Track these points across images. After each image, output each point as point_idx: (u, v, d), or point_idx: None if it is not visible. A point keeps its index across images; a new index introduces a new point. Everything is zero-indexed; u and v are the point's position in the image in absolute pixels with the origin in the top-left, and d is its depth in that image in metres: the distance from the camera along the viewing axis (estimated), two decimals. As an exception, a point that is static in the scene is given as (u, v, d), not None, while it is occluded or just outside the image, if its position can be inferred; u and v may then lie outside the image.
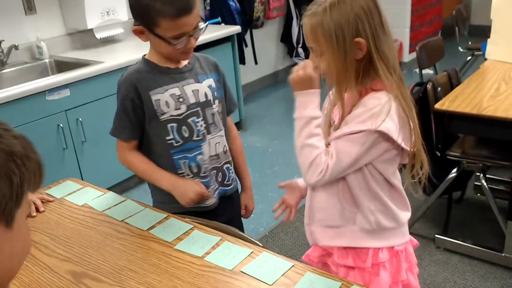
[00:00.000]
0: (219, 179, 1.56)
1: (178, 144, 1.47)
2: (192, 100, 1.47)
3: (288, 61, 5.45)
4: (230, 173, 1.59)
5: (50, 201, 1.56)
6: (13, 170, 0.66)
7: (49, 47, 3.24)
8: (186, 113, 1.46)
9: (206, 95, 1.50)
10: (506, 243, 2.28)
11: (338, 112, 1.27)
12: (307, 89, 1.21)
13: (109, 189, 1.64)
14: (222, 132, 1.55)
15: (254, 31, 4.79)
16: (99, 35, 3.41)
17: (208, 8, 4.36)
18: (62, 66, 3.19)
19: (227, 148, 1.58)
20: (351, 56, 1.14)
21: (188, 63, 1.50)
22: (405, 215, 1.34)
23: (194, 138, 1.48)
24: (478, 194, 2.84)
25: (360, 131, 1.16)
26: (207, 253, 1.24)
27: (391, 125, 1.15)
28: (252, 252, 1.23)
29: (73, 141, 2.89)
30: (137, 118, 1.44)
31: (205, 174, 1.51)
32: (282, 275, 1.14)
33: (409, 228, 1.38)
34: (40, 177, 0.73)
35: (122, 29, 3.55)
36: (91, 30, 3.35)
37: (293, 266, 1.17)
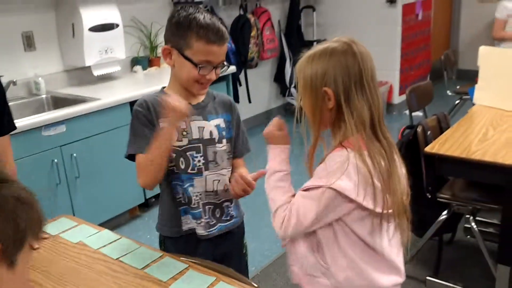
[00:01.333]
0: (217, 215, 1.58)
1: (177, 172, 1.51)
2: (195, 135, 1.51)
3: (281, 100, 5.55)
4: (229, 210, 1.61)
5: (45, 238, 1.56)
6: (20, 215, 0.70)
7: (46, 83, 3.28)
8: (186, 146, 1.50)
9: (211, 133, 1.54)
10: (496, 286, 2.29)
11: None
12: (278, 144, 1.38)
13: (100, 225, 1.65)
14: (225, 171, 1.57)
15: (248, 71, 4.90)
16: (96, 73, 3.46)
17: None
18: (58, 102, 3.22)
19: (228, 187, 1.57)
20: (320, 104, 1.22)
21: (202, 101, 1.55)
22: (388, 279, 1.27)
23: (189, 170, 1.51)
24: (468, 236, 2.87)
25: (317, 187, 1.20)
26: (202, 293, 1.25)
27: (347, 184, 1.16)
28: (246, 292, 1.24)
29: (67, 176, 2.90)
30: (150, 132, 1.45)
31: (195, 206, 1.54)
32: (277, 316, 1.15)
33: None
34: (41, 226, 0.78)
35: (119, 67, 3.62)
36: (89, 67, 3.40)
37: (287, 307, 1.18)
